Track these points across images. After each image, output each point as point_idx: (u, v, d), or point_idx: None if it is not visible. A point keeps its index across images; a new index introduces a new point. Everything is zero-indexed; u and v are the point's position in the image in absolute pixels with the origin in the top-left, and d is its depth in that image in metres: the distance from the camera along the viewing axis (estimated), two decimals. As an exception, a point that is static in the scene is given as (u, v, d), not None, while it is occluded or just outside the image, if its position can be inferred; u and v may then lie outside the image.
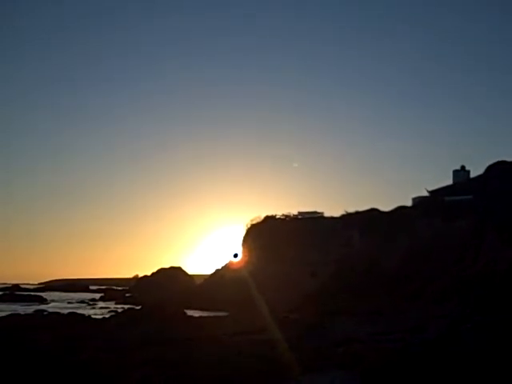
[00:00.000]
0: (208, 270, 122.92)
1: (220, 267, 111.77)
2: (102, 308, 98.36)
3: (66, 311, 57.31)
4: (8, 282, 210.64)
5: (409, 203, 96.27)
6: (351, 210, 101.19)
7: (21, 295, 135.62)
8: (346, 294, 69.87)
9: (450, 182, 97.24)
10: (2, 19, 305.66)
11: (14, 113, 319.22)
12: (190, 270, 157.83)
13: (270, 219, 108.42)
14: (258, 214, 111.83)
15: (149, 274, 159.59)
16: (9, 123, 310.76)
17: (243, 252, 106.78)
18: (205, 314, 64.58)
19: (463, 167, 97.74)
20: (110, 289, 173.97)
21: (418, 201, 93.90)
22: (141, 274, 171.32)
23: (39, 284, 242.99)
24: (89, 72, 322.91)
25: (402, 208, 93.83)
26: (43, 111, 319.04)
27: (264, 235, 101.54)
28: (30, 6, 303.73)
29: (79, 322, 46.44)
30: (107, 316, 59.35)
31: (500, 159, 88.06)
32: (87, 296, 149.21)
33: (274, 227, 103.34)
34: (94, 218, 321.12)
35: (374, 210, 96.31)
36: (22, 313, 57.53)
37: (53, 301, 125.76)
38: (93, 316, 56.04)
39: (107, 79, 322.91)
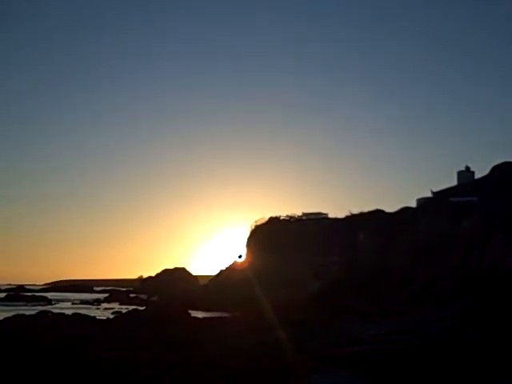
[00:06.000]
0: (212, 270, 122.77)
1: (224, 268, 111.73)
2: (106, 309, 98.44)
3: (70, 312, 57.33)
4: (13, 283, 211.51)
5: (413, 204, 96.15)
6: (356, 211, 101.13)
7: (26, 296, 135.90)
8: (349, 295, 69.84)
9: (454, 183, 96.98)
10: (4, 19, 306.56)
11: (15, 114, 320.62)
12: (195, 270, 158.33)
13: (274, 220, 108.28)
14: (263, 215, 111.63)
15: (153, 274, 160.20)
16: (10, 125, 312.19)
17: (247, 253, 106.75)
18: (209, 314, 64.61)
19: (468, 168, 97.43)
20: (115, 290, 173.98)
21: (422, 202, 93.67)
22: (145, 275, 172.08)
23: (44, 285, 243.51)
24: (91, 74, 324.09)
25: (406, 209, 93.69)
26: (44, 113, 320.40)
27: (268, 236, 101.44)
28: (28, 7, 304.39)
29: (84, 322, 46.48)
30: (111, 317, 59.51)
31: (505, 160, 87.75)
32: (92, 297, 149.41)
33: (278, 228, 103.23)
34: (99, 219, 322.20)
35: (378, 211, 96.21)
36: (27, 313, 57.58)
37: (57, 301, 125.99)
38: (97, 317, 56.07)
39: (109, 81, 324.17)
